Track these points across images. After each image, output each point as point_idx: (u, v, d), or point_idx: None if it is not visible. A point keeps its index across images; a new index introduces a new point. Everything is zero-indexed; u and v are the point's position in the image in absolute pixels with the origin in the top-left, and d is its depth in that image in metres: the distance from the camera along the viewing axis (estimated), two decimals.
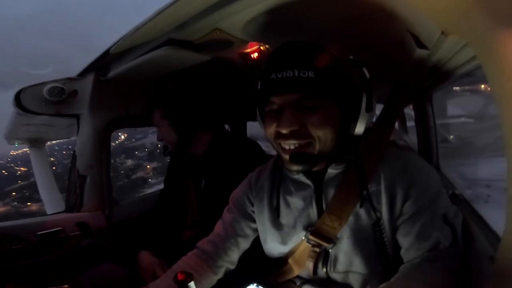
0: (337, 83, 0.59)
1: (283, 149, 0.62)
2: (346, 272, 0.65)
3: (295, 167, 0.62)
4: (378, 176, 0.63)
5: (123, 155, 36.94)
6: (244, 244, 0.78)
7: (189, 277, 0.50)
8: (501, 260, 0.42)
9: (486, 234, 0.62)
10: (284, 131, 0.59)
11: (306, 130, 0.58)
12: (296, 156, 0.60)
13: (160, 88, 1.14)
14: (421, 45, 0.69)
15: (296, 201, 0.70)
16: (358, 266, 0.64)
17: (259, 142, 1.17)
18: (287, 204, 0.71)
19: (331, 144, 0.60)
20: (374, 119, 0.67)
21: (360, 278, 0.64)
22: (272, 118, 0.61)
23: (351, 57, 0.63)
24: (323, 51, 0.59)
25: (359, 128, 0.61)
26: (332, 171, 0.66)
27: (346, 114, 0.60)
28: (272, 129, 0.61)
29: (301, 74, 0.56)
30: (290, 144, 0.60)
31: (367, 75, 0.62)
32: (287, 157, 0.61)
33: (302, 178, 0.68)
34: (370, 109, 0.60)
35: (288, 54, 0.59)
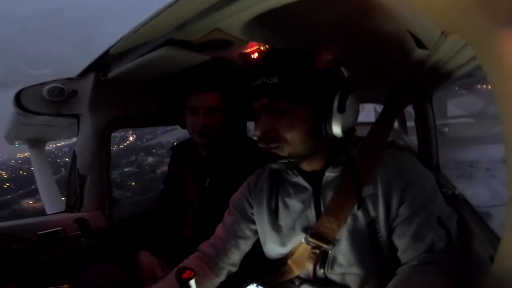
0: (304, 85, 0.60)
1: (261, 148, 0.65)
2: (344, 273, 0.66)
3: (271, 165, 0.65)
4: (375, 179, 0.63)
5: (142, 153, 39.44)
6: (245, 246, 0.78)
7: (191, 272, 0.49)
8: (501, 260, 0.42)
9: (486, 234, 0.62)
10: (257, 133, 0.64)
11: (276, 133, 0.62)
12: (266, 155, 0.64)
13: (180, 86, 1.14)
14: (421, 45, 0.68)
15: (294, 204, 0.71)
16: (355, 267, 0.64)
17: None
18: (286, 207, 0.72)
19: (303, 146, 0.62)
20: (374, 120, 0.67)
21: (358, 279, 0.65)
22: (255, 121, 0.66)
23: (329, 56, 0.65)
24: (292, 57, 0.62)
25: (336, 129, 0.60)
26: (329, 174, 0.66)
27: (319, 115, 0.62)
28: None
29: (267, 81, 0.60)
30: (264, 144, 0.64)
31: (346, 74, 0.64)
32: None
33: (300, 181, 0.69)
34: (342, 109, 0.60)
35: (261, 64, 0.64)
